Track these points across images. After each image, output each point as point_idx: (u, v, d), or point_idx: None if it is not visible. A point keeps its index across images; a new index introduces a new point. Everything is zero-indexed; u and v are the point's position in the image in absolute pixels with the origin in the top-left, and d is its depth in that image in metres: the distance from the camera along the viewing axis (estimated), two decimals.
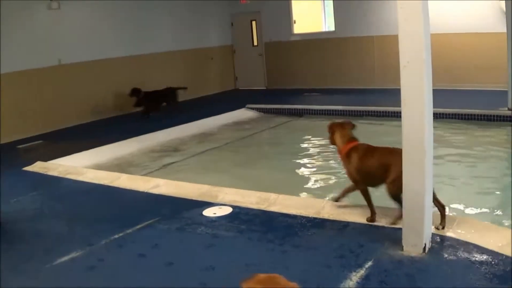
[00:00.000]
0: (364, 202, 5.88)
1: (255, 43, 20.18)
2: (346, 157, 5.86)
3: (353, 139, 5.95)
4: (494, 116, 11.97)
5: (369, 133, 12.25)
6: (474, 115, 12.21)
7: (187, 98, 17.44)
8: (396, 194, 5.32)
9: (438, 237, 5.22)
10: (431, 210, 5.03)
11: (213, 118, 14.07)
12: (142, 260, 5.32)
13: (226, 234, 5.84)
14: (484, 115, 12.09)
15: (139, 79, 15.66)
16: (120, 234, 6.00)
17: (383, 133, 11.86)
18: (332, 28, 18.64)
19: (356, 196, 7.31)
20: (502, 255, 4.77)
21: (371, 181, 5.75)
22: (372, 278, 4.57)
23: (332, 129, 6.15)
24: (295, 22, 19.31)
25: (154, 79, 16.15)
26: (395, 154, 5.33)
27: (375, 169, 5.63)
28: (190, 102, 17.46)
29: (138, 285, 4.77)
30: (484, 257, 4.78)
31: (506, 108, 11.95)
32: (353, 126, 6.14)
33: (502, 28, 12.13)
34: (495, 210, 6.95)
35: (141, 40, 16.23)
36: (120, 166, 9.94)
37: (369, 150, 5.82)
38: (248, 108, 15.36)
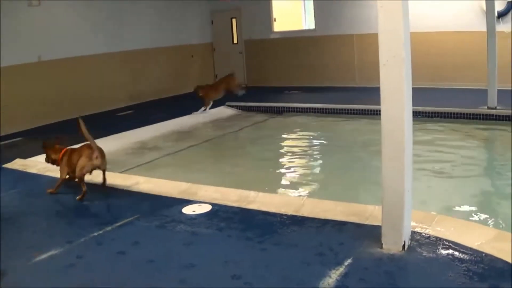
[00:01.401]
0: (343, 200, 6.00)
1: (235, 41, 20.19)
2: (61, 160, 7.60)
3: (61, 148, 7.73)
4: (473, 114, 12.06)
5: (348, 131, 12.36)
6: (454, 113, 12.30)
7: (167, 95, 17.44)
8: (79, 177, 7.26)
9: (417, 235, 5.25)
10: (410, 207, 5.05)
11: (192, 116, 14.04)
12: (122, 258, 5.29)
13: (206, 231, 5.83)
14: (463, 114, 12.18)
15: (120, 76, 15.65)
16: (100, 232, 5.97)
17: (363, 131, 11.91)
18: (313, 26, 18.71)
19: (336, 194, 7.37)
20: (481, 252, 4.80)
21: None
22: (351, 275, 4.58)
23: (45, 149, 7.94)
24: (275, 20, 19.33)
25: (133, 76, 16.13)
26: (81, 149, 7.39)
27: (75, 161, 7.33)
28: (170, 99, 17.43)
29: (118, 283, 4.74)
30: (464, 255, 4.80)
31: (486, 107, 12.04)
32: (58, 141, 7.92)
33: (482, 26, 12.22)
34: (474, 208, 7.01)
35: (121, 37, 16.18)
36: None
37: (72, 151, 7.56)
38: (227, 105, 15.35)
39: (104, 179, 7.64)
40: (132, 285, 4.70)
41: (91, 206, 7.10)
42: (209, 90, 14.47)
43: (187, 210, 6.49)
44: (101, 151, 7.39)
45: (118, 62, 16.11)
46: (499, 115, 11.72)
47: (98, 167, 7.45)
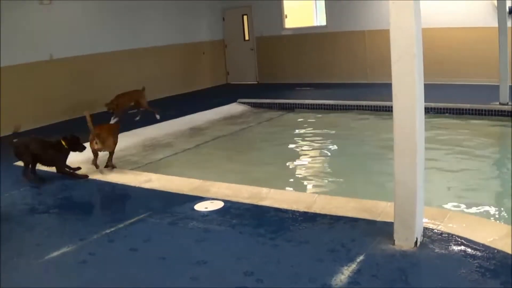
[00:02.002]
0: (356, 197, 6.00)
1: (247, 38, 20.19)
2: None
3: None
4: (485, 110, 12.01)
5: (360, 127, 12.34)
6: (466, 109, 12.25)
7: (178, 93, 17.46)
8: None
9: (429, 231, 5.24)
10: (422, 204, 5.04)
11: (204, 113, 14.07)
12: (134, 255, 5.31)
13: (218, 228, 5.84)
14: (475, 110, 12.13)
15: (130, 74, 15.67)
16: (112, 229, 5.99)
17: (375, 127, 11.89)
18: (324, 23, 18.69)
19: (348, 190, 7.36)
20: (493, 249, 4.79)
21: None
22: (364, 272, 4.58)
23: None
24: (286, 17, 19.32)
25: (144, 73, 16.16)
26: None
27: None
28: (182, 96, 17.45)
29: (130, 279, 4.76)
30: (476, 251, 4.80)
31: (497, 103, 11.99)
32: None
33: (493, 22, 12.15)
34: (487, 205, 6.98)
35: (132, 35, 16.20)
36: None
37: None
38: (239, 102, 15.37)
39: (109, 159, 8.62)
40: (144, 282, 4.72)
41: (103, 203, 7.14)
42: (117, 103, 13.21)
43: (199, 207, 6.51)
44: (102, 138, 8.27)
45: (129, 60, 16.13)
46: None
47: (100, 150, 8.37)
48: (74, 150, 8.32)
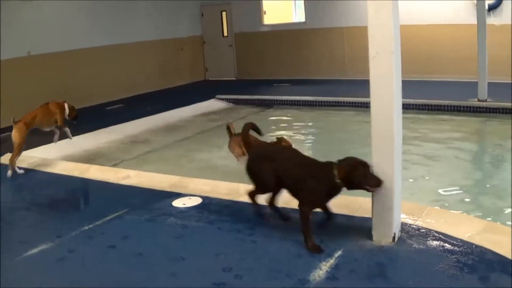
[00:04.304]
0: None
1: (225, 34, 20.19)
2: None
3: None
4: (463, 107, 12.12)
5: (339, 123, 12.38)
6: (444, 105, 12.36)
7: (157, 89, 17.41)
8: None
9: (407, 227, 5.27)
10: (400, 199, 5.07)
11: (182, 109, 14.05)
12: (112, 251, 5.29)
13: (196, 224, 5.84)
14: (453, 106, 12.24)
15: (109, 70, 15.62)
16: (90, 226, 5.96)
17: (353, 123, 11.93)
18: (303, 19, 18.70)
19: None
20: (471, 244, 4.83)
21: None
22: (342, 267, 4.60)
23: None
24: (265, 13, 19.32)
25: (122, 69, 16.11)
26: None
27: None
28: (160, 93, 17.40)
29: (109, 276, 4.74)
30: (454, 246, 4.84)
31: (476, 99, 12.08)
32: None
33: (473, 20, 12.23)
34: (464, 200, 7.04)
35: (110, 31, 16.13)
36: (89, 157, 9.87)
37: None
38: (217, 98, 15.36)
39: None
40: (123, 279, 4.70)
41: (82, 200, 7.10)
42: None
43: (178, 203, 6.49)
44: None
45: (107, 56, 16.06)
46: (490, 108, 11.77)
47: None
48: None
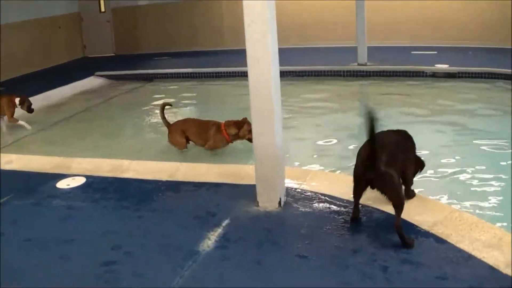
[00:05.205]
0: (219, 162, 6.06)
1: (103, 10, 19.76)
2: None
3: None
4: (343, 71, 12.45)
5: (222, 94, 12.46)
6: (325, 71, 12.64)
7: (36, 69, 16.94)
8: None
9: (293, 191, 5.41)
10: (283, 164, 5.18)
11: (61, 89, 13.68)
12: (1, 239, 5.16)
13: (82, 205, 5.77)
14: (334, 71, 12.55)
15: None
16: None
17: (234, 93, 12.03)
18: None
19: (210, 157, 7.45)
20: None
21: None
22: (230, 235, 4.70)
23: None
24: None
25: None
26: None
27: None
28: (39, 73, 16.92)
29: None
30: (340, 207, 5.05)
31: (356, 64, 12.42)
32: None
33: None
34: (344, 160, 7.22)
35: None
36: None
37: None
38: (97, 75, 15.10)
39: None
40: (14, 265, 4.58)
41: None
42: None
43: (61, 184, 6.38)
44: None
45: None
46: (370, 71, 12.18)
47: None
48: None
